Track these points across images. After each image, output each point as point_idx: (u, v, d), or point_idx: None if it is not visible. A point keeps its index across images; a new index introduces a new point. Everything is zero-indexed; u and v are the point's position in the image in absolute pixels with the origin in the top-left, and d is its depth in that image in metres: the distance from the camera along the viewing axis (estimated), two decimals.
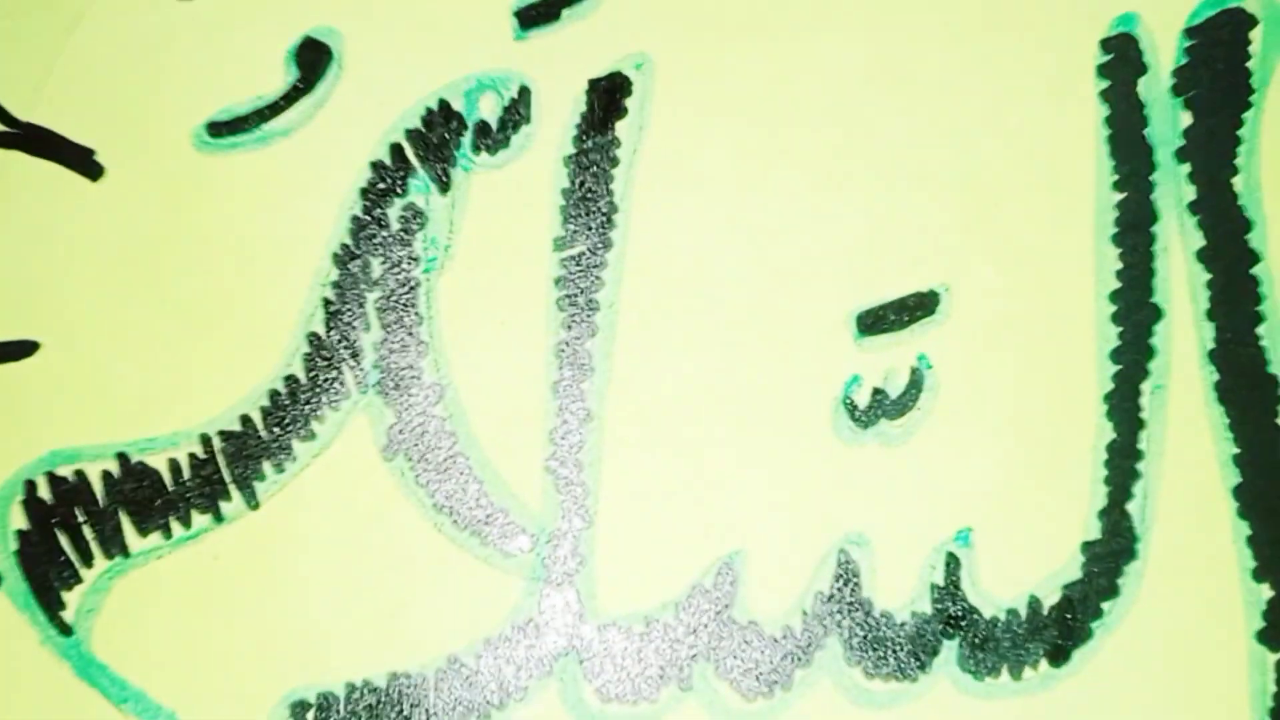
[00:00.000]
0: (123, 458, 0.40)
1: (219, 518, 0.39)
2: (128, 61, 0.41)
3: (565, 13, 0.42)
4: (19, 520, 0.39)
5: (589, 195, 0.41)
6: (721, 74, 0.42)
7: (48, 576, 0.39)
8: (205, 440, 0.40)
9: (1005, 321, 0.42)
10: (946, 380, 0.41)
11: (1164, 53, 0.43)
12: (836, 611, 0.40)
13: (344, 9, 0.41)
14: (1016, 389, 0.41)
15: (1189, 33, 0.43)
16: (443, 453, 0.40)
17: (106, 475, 0.40)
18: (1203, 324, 0.42)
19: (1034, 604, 0.40)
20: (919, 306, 0.42)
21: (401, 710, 0.39)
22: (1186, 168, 0.43)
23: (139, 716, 0.39)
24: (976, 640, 0.40)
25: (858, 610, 0.40)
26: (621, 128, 0.42)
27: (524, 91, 0.42)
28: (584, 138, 0.42)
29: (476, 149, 0.41)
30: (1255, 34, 0.43)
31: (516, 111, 0.42)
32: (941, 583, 0.41)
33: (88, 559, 0.39)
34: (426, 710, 0.39)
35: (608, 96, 0.42)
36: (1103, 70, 0.43)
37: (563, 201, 0.41)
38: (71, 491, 0.39)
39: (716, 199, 0.42)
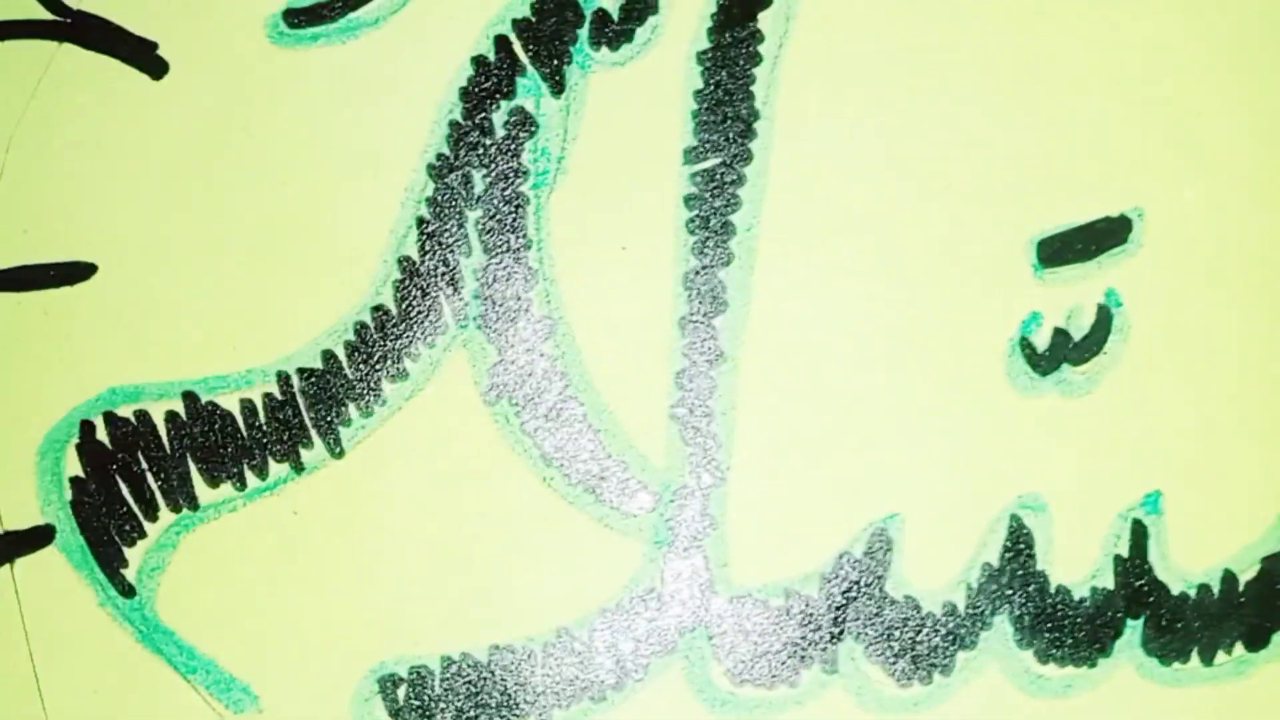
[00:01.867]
0: (190, 397, 0.36)
1: (299, 467, 0.35)
2: None
3: None
4: (74, 466, 0.36)
5: (726, 99, 0.36)
6: None
7: (107, 530, 0.35)
8: (283, 379, 0.36)
9: (1208, 251, 0.37)
10: (1139, 320, 0.37)
11: None
12: (1006, 586, 0.36)
13: None
14: (1220, 330, 0.37)
15: None
16: (553, 397, 0.36)
17: (172, 417, 0.36)
18: None
19: (1229, 579, 0.36)
20: (1109, 233, 0.37)
21: (504, 688, 0.35)
22: None
23: (208, 689, 0.35)
24: (1164, 620, 0.36)
25: (1031, 584, 0.36)
26: (765, 18, 0.37)
27: None
28: (721, 30, 0.37)
29: (595, 43, 0.37)
30: None
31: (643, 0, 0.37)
32: (1126, 554, 0.36)
33: (152, 511, 0.36)
34: (533, 689, 0.35)
35: None
36: None
37: (695, 106, 0.37)
38: (133, 435, 0.36)
39: (874, 105, 0.37)
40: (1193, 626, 0.37)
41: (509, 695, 0.36)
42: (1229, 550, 0.37)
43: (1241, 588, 0.37)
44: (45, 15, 0.37)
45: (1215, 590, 0.37)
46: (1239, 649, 0.37)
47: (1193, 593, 0.37)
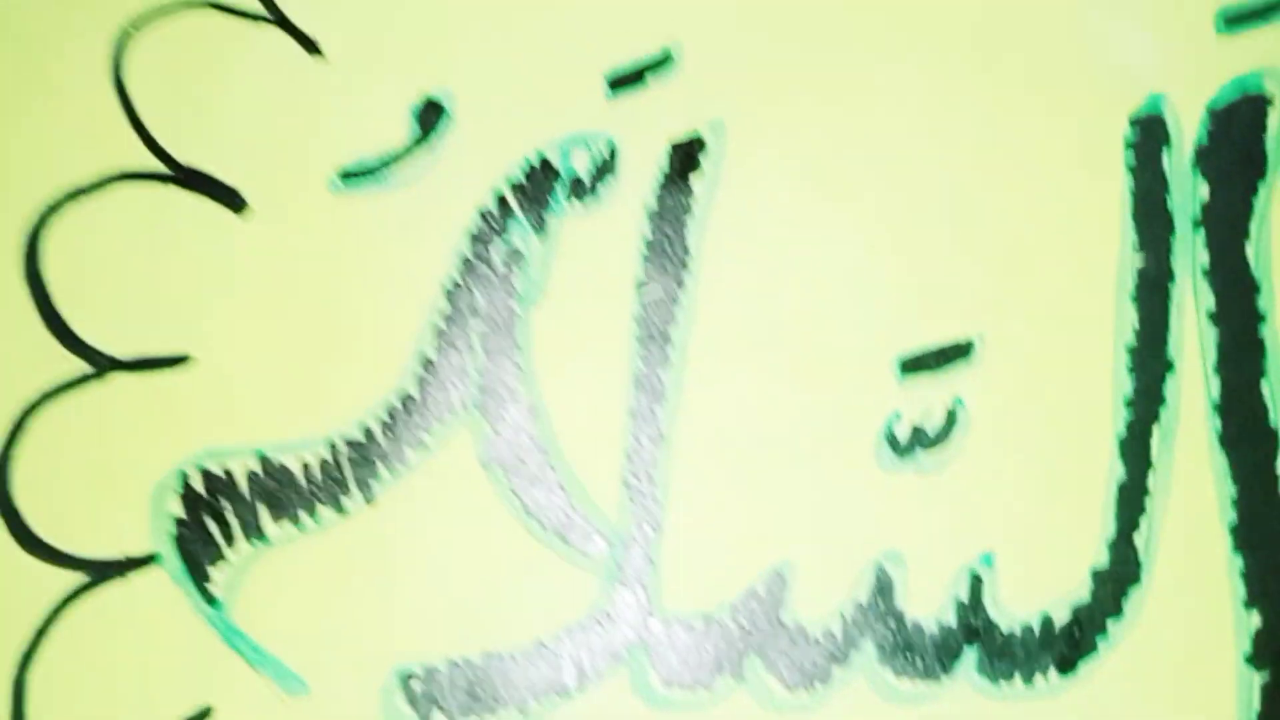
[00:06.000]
0: (263, 458, 0.53)
1: (341, 511, 0.52)
2: (274, 115, 0.54)
3: (650, 77, 0.54)
4: (176, 508, 0.52)
5: (667, 243, 0.54)
6: (785, 137, 0.55)
7: (198, 556, 0.52)
8: (332, 446, 0.52)
9: (1032, 369, 0.54)
10: (978, 419, 0.54)
11: (1188, 131, 0.55)
12: (872, 619, 0.52)
13: (459, 73, 0.54)
14: (1040, 430, 0.54)
15: (1212, 114, 0.55)
16: (533, 465, 0.53)
17: (249, 472, 0.52)
18: (1211, 378, 0.54)
19: (1047, 620, 0.52)
20: (956, 353, 0.54)
21: (492, 685, 0.51)
22: (1202, 235, 0.55)
23: (273, 679, 0.51)
24: (994, 649, 0.52)
25: (891, 618, 0.52)
26: (697, 183, 0.54)
27: (612, 149, 0.54)
28: (664, 192, 0.54)
29: (570, 199, 0.54)
30: (1272, 116, 0.55)
31: (605, 167, 0.54)
32: (966, 599, 0.52)
33: (232, 542, 0.52)
34: (514, 686, 0.51)
35: (686, 155, 0.54)
36: (1131, 145, 0.55)
37: (644, 248, 0.54)
38: (219, 485, 0.52)
39: (779, 249, 0.54)
40: (1017, 656, 0.53)
41: (496, 690, 0.52)
42: (1047, 599, 0.54)
43: (1056, 628, 0.54)
44: (162, 169, 0.54)
45: (1036, 629, 0.54)
46: (1053, 674, 0.53)
47: (1018, 630, 0.54)
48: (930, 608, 0.54)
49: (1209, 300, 0.55)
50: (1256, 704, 0.53)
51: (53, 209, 0.54)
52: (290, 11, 0.55)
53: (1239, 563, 0.54)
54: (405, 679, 0.53)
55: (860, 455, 0.54)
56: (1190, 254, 0.55)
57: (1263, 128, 0.56)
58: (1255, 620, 0.54)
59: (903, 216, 0.55)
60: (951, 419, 0.55)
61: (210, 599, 0.53)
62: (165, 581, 0.53)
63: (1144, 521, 0.54)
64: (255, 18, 0.55)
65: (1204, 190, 0.56)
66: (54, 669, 0.52)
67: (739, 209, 0.55)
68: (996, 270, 0.55)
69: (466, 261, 0.55)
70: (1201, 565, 0.54)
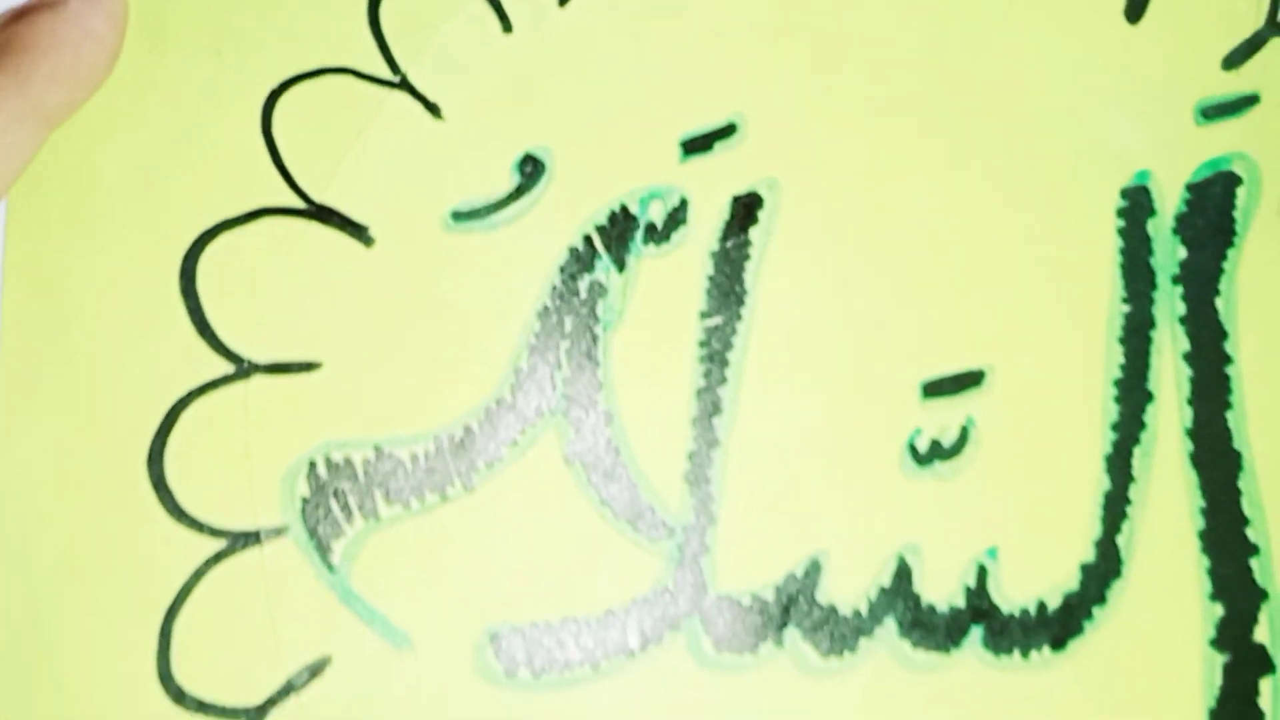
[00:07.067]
0: (378, 449, 0.63)
1: (444, 497, 0.62)
2: (398, 164, 0.65)
3: (717, 145, 0.66)
4: (303, 489, 0.62)
5: (727, 281, 0.64)
6: (830, 197, 0.66)
7: (321, 530, 0.62)
8: (437, 440, 0.63)
9: (1033, 396, 0.65)
10: (987, 436, 0.64)
11: (1169, 201, 0.67)
12: (894, 600, 0.62)
13: (556, 134, 0.66)
14: (1039, 446, 0.64)
15: (1190, 188, 0.66)
16: (609, 462, 0.63)
17: (366, 460, 0.63)
18: (1184, 408, 0.65)
19: (1042, 606, 0.63)
20: (969, 380, 0.64)
21: (566, 645, 0.61)
22: (1180, 289, 0.66)
23: (381, 634, 0.61)
24: (997, 628, 0.62)
25: (910, 600, 0.62)
26: (754, 233, 0.65)
27: (683, 202, 0.65)
28: (726, 239, 0.65)
29: (646, 242, 0.65)
30: (1240, 191, 0.66)
31: (677, 216, 0.65)
32: (973, 585, 0.63)
33: (350, 519, 0.62)
34: (587, 646, 0.61)
35: (745, 209, 0.65)
36: (1121, 212, 0.66)
37: (707, 285, 0.65)
38: (340, 471, 0.63)
39: (823, 290, 0.65)
40: (1016, 634, 0.63)
41: (571, 648, 0.62)
42: (1043, 588, 0.64)
43: (1050, 612, 0.64)
44: (301, 205, 0.65)
45: (1032, 612, 0.64)
46: (1046, 650, 0.63)
47: (1016, 613, 0.64)
48: (943, 592, 0.64)
49: (1184, 344, 0.66)
50: (1219, 681, 0.63)
51: (207, 236, 0.65)
52: (415, 80, 0.66)
53: (1206, 562, 0.64)
54: (494, 636, 0.63)
55: (887, 464, 0.65)
56: (1169, 305, 0.66)
57: (1232, 203, 0.67)
58: (1219, 610, 0.64)
59: (927, 267, 0.66)
60: (964, 435, 0.65)
61: (330, 566, 0.63)
62: (293, 550, 0.63)
63: (1125, 526, 0.65)
64: (385, 83, 0.66)
65: (1182, 252, 0.67)
66: (195, 621, 0.62)
67: (789, 255, 0.66)
68: (1006, 314, 0.66)
69: (556, 290, 0.66)
70: (1174, 563, 0.64)
